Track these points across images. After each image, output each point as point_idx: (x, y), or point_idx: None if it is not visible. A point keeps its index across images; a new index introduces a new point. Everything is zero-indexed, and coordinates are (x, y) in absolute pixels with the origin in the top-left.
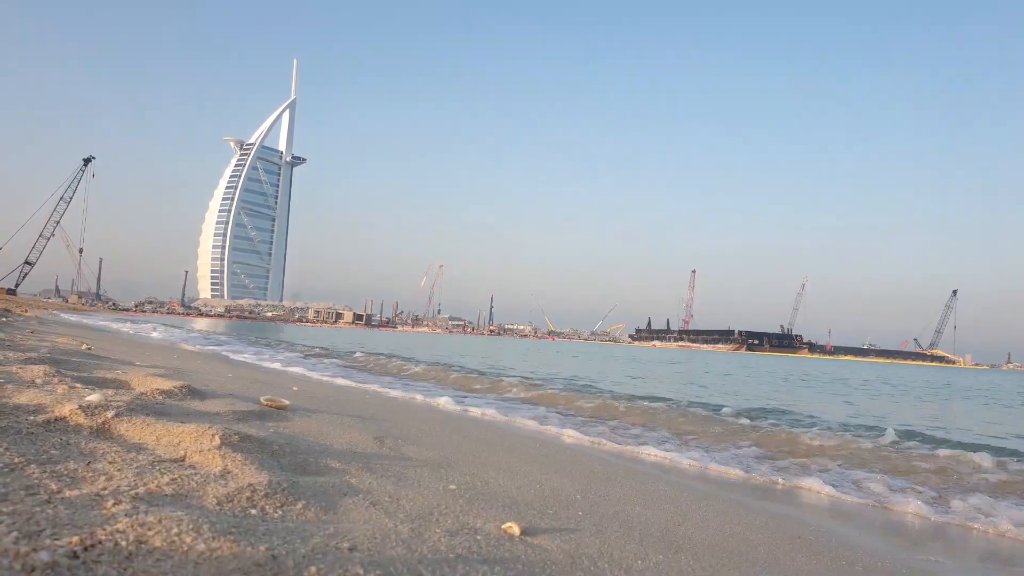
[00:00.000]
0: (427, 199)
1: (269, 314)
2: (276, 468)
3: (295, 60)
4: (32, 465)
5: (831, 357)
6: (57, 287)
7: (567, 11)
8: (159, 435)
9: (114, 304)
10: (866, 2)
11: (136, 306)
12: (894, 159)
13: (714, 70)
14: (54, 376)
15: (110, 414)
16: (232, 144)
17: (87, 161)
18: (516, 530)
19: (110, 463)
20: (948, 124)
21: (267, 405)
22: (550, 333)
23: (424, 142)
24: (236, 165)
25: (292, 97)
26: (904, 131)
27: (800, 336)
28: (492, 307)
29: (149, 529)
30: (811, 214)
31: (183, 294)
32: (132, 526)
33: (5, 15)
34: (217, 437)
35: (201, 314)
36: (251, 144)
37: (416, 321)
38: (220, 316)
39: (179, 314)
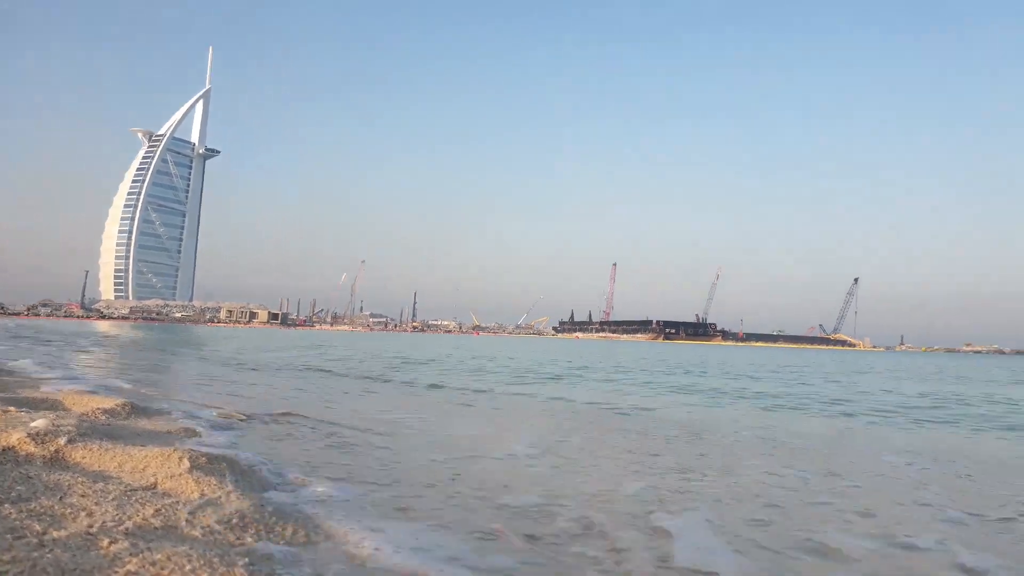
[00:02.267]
0: (348, 195)
1: (178, 315)
2: (251, 489)
3: (210, 48)
4: (5, 504)
5: (743, 344)
6: None
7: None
8: (120, 461)
9: (2, 308)
10: None
11: (28, 309)
12: (794, 146)
13: (629, 59)
14: None
15: (62, 441)
16: (140, 135)
17: None
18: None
19: (82, 496)
20: (847, 107)
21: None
22: (475, 328)
23: (344, 136)
24: (144, 157)
25: (207, 87)
26: (805, 116)
27: (714, 324)
28: (415, 303)
29: (163, 568)
30: (724, 205)
31: (83, 295)
32: (144, 566)
33: None
34: (186, 460)
35: (103, 316)
36: (161, 135)
37: (336, 319)
38: (124, 318)
39: (78, 317)
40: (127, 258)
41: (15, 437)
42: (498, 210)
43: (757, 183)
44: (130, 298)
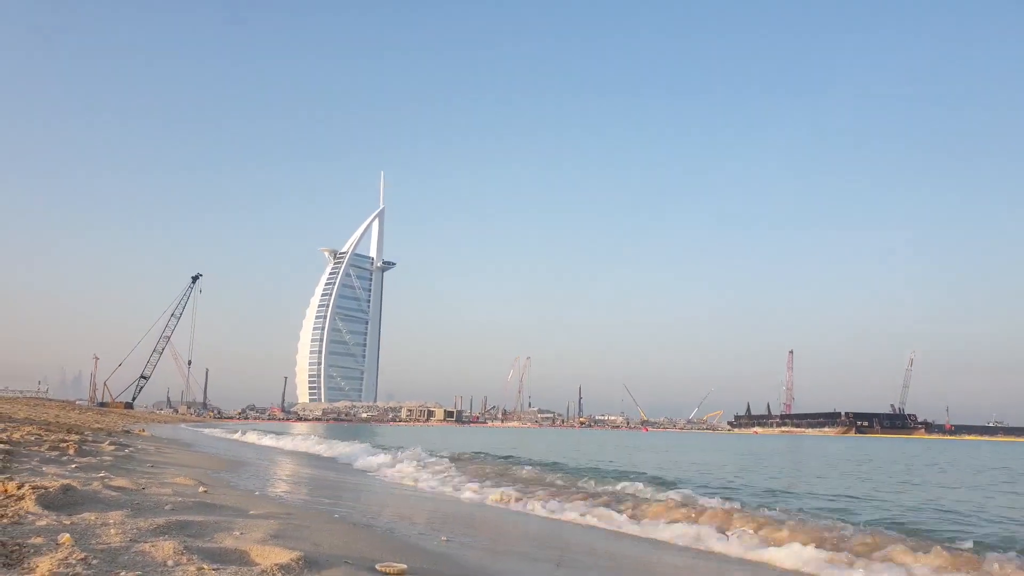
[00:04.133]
0: (513, 292)
1: (364, 415)
2: None
3: (382, 172)
4: None
5: (952, 437)
6: (168, 398)
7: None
8: None
9: (219, 412)
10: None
11: (239, 413)
12: (1008, 210)
13: (803, 142)
14: (182, 554)
15: None
16: (326, 254)
17: (195, 279)
18: None
19: None
20: None
21: (383, 572)
22: (643, 423)
23: (507, 238)
24: (331, 273)
25: (381, 206)
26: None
27: (914, 415)
28: (581, 398)
29: None
30: (917, 281)
31: (283, 399)
32: None
33: (113, 142)
34: None
35: (300, 418)
36: (344, 253)
37: (506, 416)
38: (318, 420)
39: (279, 419)
40: (319, 364)
41: None
42: (663, 299)
43: (949, 254)
44: (322, 400)
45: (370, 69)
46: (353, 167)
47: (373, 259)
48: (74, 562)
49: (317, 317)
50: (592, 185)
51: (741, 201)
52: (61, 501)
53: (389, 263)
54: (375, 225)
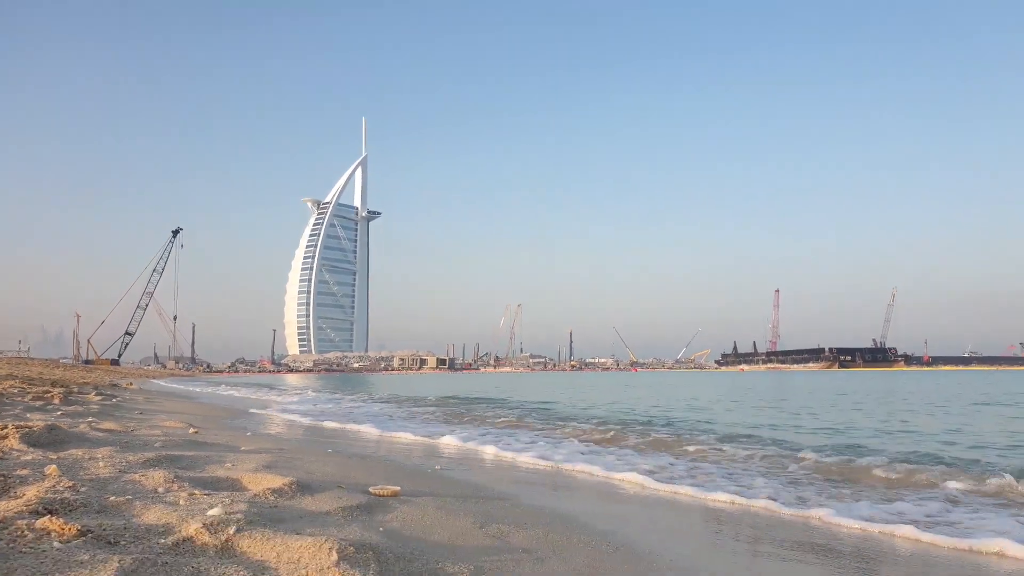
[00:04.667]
0: (502, 240)
1: (356, 365)
2: None
3: (363, 119)
4: None
5: (929, 368)
6: (155, 354)
7: (638, 47)
8: (279, 551)
9: (208, 366)
10: None
11: (228, 367)
12: (984, 151)
13: (790, 86)
14: (173, 482)
15: (232, 530)
16: (310, 204)
17: (175, 233)
18: None
19: None
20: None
21: (376, 495)
22: (632, 364)
23: (493, 185)
24: (315, 224)
25: (363, 154)
26: (1001, 121)
27: (894, 349)
28: (572, 342)
29: None
30: (898, 220)
31: (273, 352)
32: None
33: (88, 97)
34: (334, 552)
35: (291, 370)
36: (327, 203)
37: (498, 362)
38: (309, 371)
39: (270, 371)
40: (308, 316)
41: (192, 528)
42: (650, 242)
43: (924, 189)
44: (313, 352)
45: (348, 13)
46: (333, 114)
47: (358, 209)
48: (62, 489)
49: (303, 269)
50: (579, 132)
51: (725, 142)
52: (47, 439)
53: (374, 212)
54: (358, 174)
